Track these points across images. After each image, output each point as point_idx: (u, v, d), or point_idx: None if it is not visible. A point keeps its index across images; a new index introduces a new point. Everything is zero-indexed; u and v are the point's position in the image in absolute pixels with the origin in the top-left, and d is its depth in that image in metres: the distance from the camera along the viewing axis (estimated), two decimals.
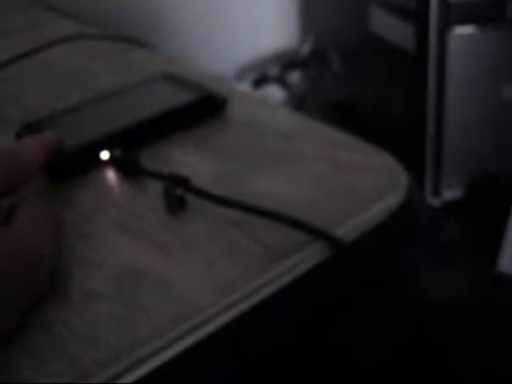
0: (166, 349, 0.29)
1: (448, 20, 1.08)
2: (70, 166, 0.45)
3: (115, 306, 0.32)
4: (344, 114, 1.64)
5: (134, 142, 0.47)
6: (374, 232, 0.37)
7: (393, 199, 0.38)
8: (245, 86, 1.76)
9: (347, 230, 0.36)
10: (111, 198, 0.42)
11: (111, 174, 0.44)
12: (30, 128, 0.49)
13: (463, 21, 1.09)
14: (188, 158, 0.45)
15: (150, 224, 0.38)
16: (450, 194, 1.27)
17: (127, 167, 0.43)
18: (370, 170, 0.40)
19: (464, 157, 1.24)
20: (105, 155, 0.45)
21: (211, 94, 0.51)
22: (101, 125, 0.48)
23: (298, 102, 1.85)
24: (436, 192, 1.26)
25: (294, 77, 1.86)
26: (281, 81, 1.86)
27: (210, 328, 0.31)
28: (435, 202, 1.27)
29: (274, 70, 1.83)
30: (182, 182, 0.39)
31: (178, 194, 0.39)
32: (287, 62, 1.84)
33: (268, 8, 1.75)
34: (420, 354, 0.38)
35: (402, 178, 0.40)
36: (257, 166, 0.43)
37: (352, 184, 0.39)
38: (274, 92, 1.84)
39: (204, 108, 0.50)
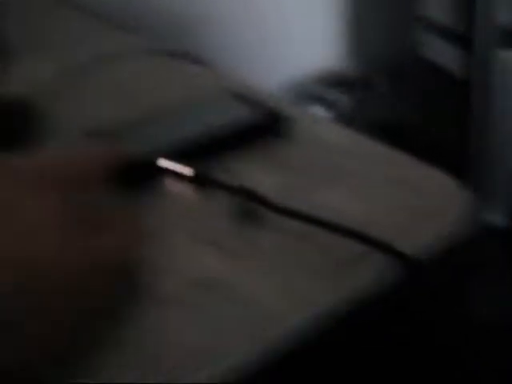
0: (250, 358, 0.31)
1: (494, 43, 1.09)
2: (142, 175, 0.47)
3: (189, 313, 0.33)
4: (390, 136, 1.64)
5: (203, 156, 0.49)
6: (442, 253, 0.38)
7: (455, 221, 0.39)
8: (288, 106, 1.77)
9: (415, 248, 0.37)
10: (182, 209, 0.43)
11: (182, 185, 0.47)
12: (99, 137, 0.51)
13: (509, 44, 1.09)
14: (254, 173, 0.47)
15: (220, 234, 0.39)
16: (494, 218, 1.26)
17: (199, 179, 0.46)
18: (432, 191, 0.42)
19: (508, 183, 1.23)
20: (176, 166, 0.47)
21: (276, 112, 0.53)
22: (169, 137, 0.50)
23: (344, 123, 1.85)
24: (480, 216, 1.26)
25: (340, 97, 1.87)
26: (326, 101, 1.87)
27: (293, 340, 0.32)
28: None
29: (319, 90, 1.85)
30: (252, 194, 0.41)
31: (248, 206, 0.41)
32: (333, 82, 1.85)
33: (316, 27, 1.76)
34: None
35: (465, 201, 0.41)
36: (321, 180, 0.45)
37: (413, 204, 0.41)
38: (319, 112, 1.85)
39: (269, 126, 0.53)
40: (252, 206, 0.40)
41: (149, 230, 0.39)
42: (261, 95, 0.58)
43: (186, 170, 0.46)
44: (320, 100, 1.82)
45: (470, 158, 1.20)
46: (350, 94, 1.83)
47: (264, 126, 0.52)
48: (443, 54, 1.22)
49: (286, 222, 0.38)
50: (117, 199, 0.43)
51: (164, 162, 0.46)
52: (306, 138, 0.52)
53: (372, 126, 1.75)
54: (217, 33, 1.59)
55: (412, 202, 0.41)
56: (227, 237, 0.39)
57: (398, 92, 1.56)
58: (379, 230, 0.37)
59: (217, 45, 1.59)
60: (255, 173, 0.47)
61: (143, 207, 0.43)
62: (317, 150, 0.50)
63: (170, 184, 0.46)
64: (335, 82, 1.83)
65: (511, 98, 1.14)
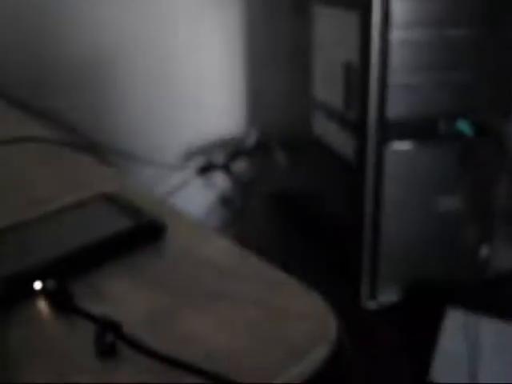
0: None
1: (385, 135, 1.14)
2: (12, 297, 0.44)
3: None
4: (287, 206, 1.67)
5: (69, 271, 0.46)
6: None
7: (323, 350, 0.39)
8: (190, 174, 1.77)
9: None
10: (41, 335, 0.41)
11: (43, 308, 0.44)
12: None
13: (399, 137, 1.15)
14: (123, 292, 0.45)
15: (76, 368, 0.37)
16: (386, 297, 1.29)
17: (60, 302, 0.43)
18: (302, 318, 0.41)
19: (400, 261, 1.27)
20: (37, 285, 0.44)
21: (151, 221, 0.52)
22: (35, 252, 0.47)
23: (242, 191, 1.87)
24: (372, 295, 1.29)
25: (240, 165, 1.89)
26: (226, 169, 1.89)
27: None
28: (372, 304, 1.29)
29: (219, 158, 1.86)
30: (114, 327, 0.39)
31: (109, 340, 0.38)
32: (233, 150, 1.87)
33: (216, 96, 1.79)
34: None
35: (332, 327, 0.41)
36: (190, 303, 0.43)
37: (283, 333, 0.40)
38: (219, 180, 1.86)
39: (143, 235, 0.51)
40: (114, 340, 0.38)
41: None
42: (144, 199, 0.56)
43: (48, 292, 0.44)
44: (221, 168, 1.83)
45: (363, 240, 1.23)
46: (251, 162, 1.85)
47: (139, 236, 0.51)
48: (338, 139, 1.26)
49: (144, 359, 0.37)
50: None
51: (27, 281, 0.44)
52: (181, 250, 0.51)
53: (270, 195, 1.78)
54: (119, 104, 1.58)
55: (281, 335, 0.40)
56: (82, 371, 0.37)
57: (296, 166, 1.59)
58: (243, 367, 0.36)
59: (125, 106, 1.58)
60: (124, 292, 0.45)
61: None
62: (191, 266, 0.48)
63: (34, 306, 0.44)
64: (235, 150, 1.85)
65: (402, 185, 1.19)
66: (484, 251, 1.28)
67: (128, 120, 1.60)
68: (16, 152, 0.72)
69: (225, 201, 1.88)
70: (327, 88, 1.28)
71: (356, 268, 1.27)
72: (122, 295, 0.45)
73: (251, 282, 0.46)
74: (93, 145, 0.74)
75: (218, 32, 1.70)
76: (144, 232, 0.51)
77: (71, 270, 0.47)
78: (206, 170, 1.82)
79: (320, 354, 0.38)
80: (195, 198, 1.79)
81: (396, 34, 1.06)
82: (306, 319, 0.42)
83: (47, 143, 0.76)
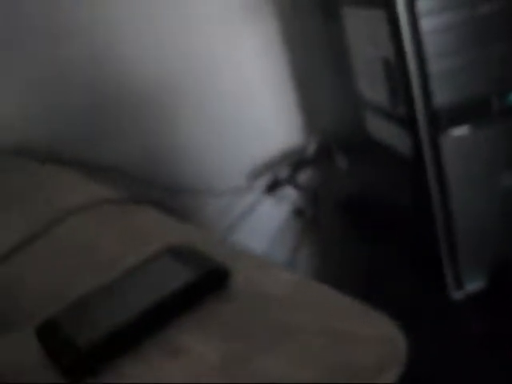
0: None
1: (437, 125, 1.12)
2: (83, 366, 0.47)
3: None
4: (355, 211, 1.66)
5: (143, 331, 0.49)
6: None
7: (392, 375, 0.39)
8: (258, 194, 1.79)
9: None
10: None
11: None
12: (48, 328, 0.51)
13: (453, 123, 1.12)
14: (194, 343, 0.47)
15: None
16: (473, 285, 1.26)
17: None
18: (369, 342, 0.42)
19: (480, 247, 1.24)
20: None
21: (214, 268, 0.54)
22: (108, 319, 0.50)
23: (312, 200, 1.87)
24: (458, 285, 1.26)
25: (304, 176, 1.89)
26: (292, 181, 1.90)
27: None
28: (458, 294, 1.27)
29: (284, 172, 1.87)
30: None
31: None
32: (296, 162, 1.87)
33: (268, 112, 1.80)
34: None
35: (401, 349, 0.41)
36: (259, 344, 0.44)
37: (351, 360, 0.40)
38: (287, 193, 1.87)
39: (207, 284, 0.53)
40: None
41: None
42: (205, 242, 0.58)
43: None
44: (287, 182, 1.84)
45: (437, 231, 1.21)
46: (314, 171, 1.85)
47: (204, 286, 0.53)
48: (392, 136, 1.25)
49: None
50: None
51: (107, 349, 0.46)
52: (246, 291, 0.52)
53: (337, 202, 1.77)
54: (183, 128, 1.61)
55: (349, 363, 0.41)
56: None
57: (358, 169, 1.58)
58: None
59: (183, 142, 1.61)
60: (196, 343, 0.47)
61: None
62: (256, 306, 0.50)
63: None
64: (298, 161, 1.85)
65: (463, 170, 1.16)
66: None
67: (184, 153, 1.63)
68: (80, 220, 0.76)
69: (297, 212, 1.89)
70: (371, 87, 1.27)
71: (437, 260, 1.24)
72: (194, 347, 0.47)
73: (318, 311, 0.47)
74: (156, 200, 0.77)
75: (259, 47, 1.71)
76: (207, 281, 0.53)
77: (145, 329, 0.49)
78: (273, 187, 1.84)
79: (389, 378, 0.39)
80: (267, 217, 1.80)
81: (426, 22, 1.05)
82: (374, 342, 0.42)
83: (109, 203, 0.80)
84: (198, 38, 1.58)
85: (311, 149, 1.86)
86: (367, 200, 1.57)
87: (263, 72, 1.74)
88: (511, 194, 1.19)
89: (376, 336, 0.43)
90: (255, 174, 1.81)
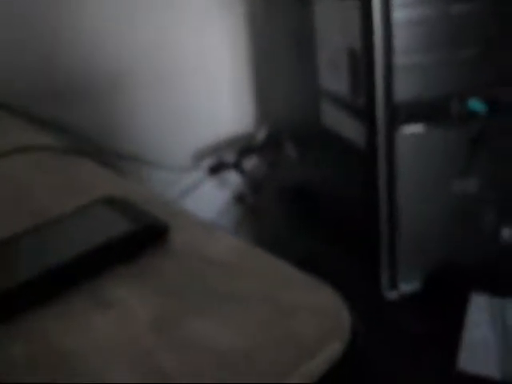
0: None
1: (395, 119, 1.11)
2: None
3: None
4: (301, 200, 1.65)
5: (73, 278, 0.45)
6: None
7: (336, 347, 0.37)
8: (201, 174, 1.76)
9: None
10: None
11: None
12: None
13: (410, 120, 1.12)
14: (127, 295, 0.43)
15: None
16: (408, 286, 1.27)
17: None
18: (313, 313, 0.39)
19: (419, 249, 1.24)
20: None
21: (152, 222, 0.50)
22: (35, 261, 0.46)
23: (255, 188, 1.86)
24: (393, 285, 1.26)
25: (251, 162, 1.87)
26: (237, 166, 1.87)
27: None
28: (392, 295, 1.27)
29: (230, 156, 1.85)
30: None
31: None
32: (243, 147, 1.85)
33: (222, 94, 1.78)
34: None
35: (345, 321, 0.39)
36: (196, 306, 0.41)
37: (294, 331, 0.38)
38: (231, 178, 1.85)
39: (145, 237, 0.49)
40: None
41: None
42: (148, 201, 0.55)
43: None
44: (232, 166, 1.82)
45: (380, 229, 1.21)
46: (261, 158, 1.84)
47: (141, 239, 0.49)
48: (347, 127, 1.24)
49: None
50: None
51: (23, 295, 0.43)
52: (186, 251, 0.49)
53: (283, 190, 1.76)
54: (128, 100, 1.57)
55: (292, 333, 0.38)
56: None
57: (307, 158, 1.57)
58: (251, 368, 0.34)
59: (131, 110, 1.57)
60: (127, 297, 0.43)
61: None
62: (196, 267, 0.47)
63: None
64: (245, 147, 1.83)
65: (415, 170, 1.16)
66: (506, 233, 1.25)
67: (135, 122, 1.59)
68: (14, 162, 0.71)
69: (238, 198, 1.87)
70: (333, 77, 1.26)
71: (374, 257, 1.24)
72: (126, 301, 0.43)
73: (260, 280, 0.44)
74: (99, 150, 0.72)
75: (222, 30, 1.69)
76: (147, 233, 0.49)
77: (73, 276, 0.45)
78: (217, 169, 1.81)
79: (333, 350, 0.36)
80: (208, 198, 1.78)
81: (398, 14, 1.03)
82: (319, 315, 0.40)
83: (48, 151, 0.75)
84: (162, 22, 1.55)
85: (261, 136, 1.84)
86: (315, 191, 1.55)
87: (222, 56, 1.72)
88: (458, 200, 1.20)
89: (320, 307, 0.40)
90: (201, 155, 1.78)
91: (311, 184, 1.57)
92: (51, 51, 1.39)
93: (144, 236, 0.49)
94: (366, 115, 1.12)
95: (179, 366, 0.35)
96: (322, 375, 0.34)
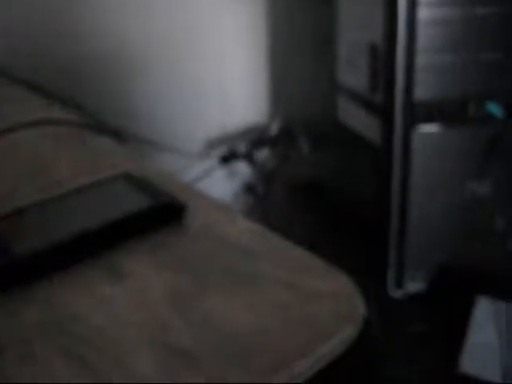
0: None
1: (412, 118, 1.11)
2: (16, 276, 0.43)
3: None
4: (311, 194, 1.65)
5: (89, 250, 0.45)
6: (330, 366, 0.36)
7: (350, 330, 0.37)
8: (212, 162, 1.76)
9: (303, 367, 0.34)
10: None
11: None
12: None
13: (427, 119, 1.12)
14: (143, 270, 0.44)
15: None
16: (414, 286, 1.27)
17: None
18: (328, 298, 0.39)
19: (428, 249, 1.24)
20: None
21: (170, 200, 0.50)
22: (54, 231, 0.46)
23: (265, 180, 1.86)
24: (399, 284, 1.26)
25: (263, 154, 1.87)
26: (249, 157, 1.87)
27: None
28: (398, 293, 1.27)
29: (242, 147, 1.84)
30: None
31: None
32: (256, 139, 1.85)
33: (239, 84, 1.77)
34: None
35: (359, 308, 0.39)
36: (213, 284, 0.41)
37: (309, 313, 0.38)
38: (242, 168, 1.85)
39: (162, 214, 0.49)
40: None
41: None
42: (165, 181, 0.55)
43: None
44: (243, 157, 1.82)
45: (390, 226, 1.21)
46: (274, 151, 1.83)
47: (158, 216, 0.49)
48: (363, 123, 1.24)
49: None
50: None
51: (44, 261, 0.43)
52: (202, 230, 0.49)
53: (294, 184, 1.76)
54: (150, 83, 1.58)
55: (308, 315, 0.38)
56: None
57: (321, 153, 1.57)
58: (267, 348, 0.35)
59: (148, 96, 1.57)
60: (144, 270, 0.44)
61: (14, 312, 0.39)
62: (213, 246, 0.47)
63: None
64: (258, 139, 1.83)
65: (430, 169, 1.16)
66: None
67: (151, 108, 1.59)
68: (34, 136, 0.71)
69: (247, 190, 1.87)
70: (352, 72, 1.26)
71: (382, 256, 1.24)
72: (142, 274, 0.43)
73: (278, 263, 0.45)
74: (115, 130, 0.73)
75: (242, 21, 1.69)
76: (164, 211, 0.49)
77: (92, 247, 0.46)
78: (228, 158, 1.81)
79: (347, 333, 0.36)
80: (218, 187, 1.78)
81: (423, 13, 1.03)
82: (334, 300, 0.40)
83: (67, 126, 0.75)
84: (178, 10, 1.55)
85: (274, 128, 1.84)
86: (327, 186, 1.55)
87: (242, 46, 1.72)
88: (470, 202, 1.20)
89: (336, 293, 0.40)
90: (213, 143, 1.78)
91: (322, 179, 1.57)
92: (73, 34, 1.39)
93: (161, 213, 0.49)
94: (384, 112, 1.12)
95: (196, 343, 0.35)
96: (337, 357, 0.35)
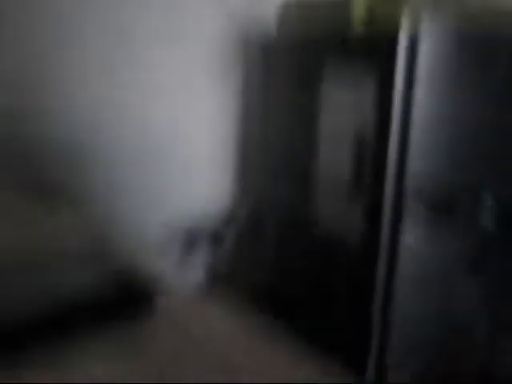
0: None
1: (401, 210, 1.06)
2: None
3: None
4: (276, 303, 1.58)
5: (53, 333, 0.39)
6: None
7: None
8: (176, 250, 1.69)
9: None
10: None
11: None
12: None
13: (417, 211, 1.07)
14: (100, 360, 0.38)
15: None
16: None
17: None
18: None
19: (409, 349, 1.16)
20: None
21: (138, 287, 0.44)
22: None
23: (229, 264, 1.79)
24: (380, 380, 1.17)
25: (228, 238, 1.81)
26: (214, 241, 1.82)
27: None
28: None
29: (206, 231, 1.79)
30: None
31: None
32: (221, 224, 1.79)
33: (201, 170, 1.73)
34: None
35: None
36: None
37: None
38: (205, 253, 1.78)
39: (128, 301, 0.42)
40: None
41: None
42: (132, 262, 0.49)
43: None
44: (208, 240, 1.76)
45: (372, 330, 1.13)
46: (238, 236, 1.77)
47: (124, 305, 0.43)
48: (340, 215, 1.18)
49: None
50: None
51: None
52: (168, 322, 0.43)
53: (256, 290, 1.68)
54: (118, 168, 1.52)
55: None
56: None
57: (286, 251, 1.50)
58: None
59: (115, 179, 1.51)
60: (101, 361, 0.37)
61: None
62: (176, 342, 0.41)
63: None
64: (223, 223, 1.77)
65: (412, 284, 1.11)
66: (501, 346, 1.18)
67: (115, 197, 1.53)
68: None
69: (211, 274, 1.80)
70: (333, 161, 1.20)
71: (363, 358, 1.15)
72: (99, 364, 0.37)
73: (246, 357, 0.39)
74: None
75: (209, 105, 1.67)
76: (130, 298, 0.42)
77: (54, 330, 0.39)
78: (192, 244, 1.75)
79: None
80: (183, 272, 1.70)
81: (418, 114, 1.00)
82: None
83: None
84: (160, 103, 1.55)
85: (241, 215, 1.79)
86: (289, 292, 1.47)
87: (213, 141, 1.69)
88: (457, 311, 1.13)
89: None
90: (175, 231, 1.70)
91: (286, 285, 1.49)
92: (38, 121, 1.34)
93: (127, 299, 0.42)
94: (370, 204, 1.06)
95: None
96: None
